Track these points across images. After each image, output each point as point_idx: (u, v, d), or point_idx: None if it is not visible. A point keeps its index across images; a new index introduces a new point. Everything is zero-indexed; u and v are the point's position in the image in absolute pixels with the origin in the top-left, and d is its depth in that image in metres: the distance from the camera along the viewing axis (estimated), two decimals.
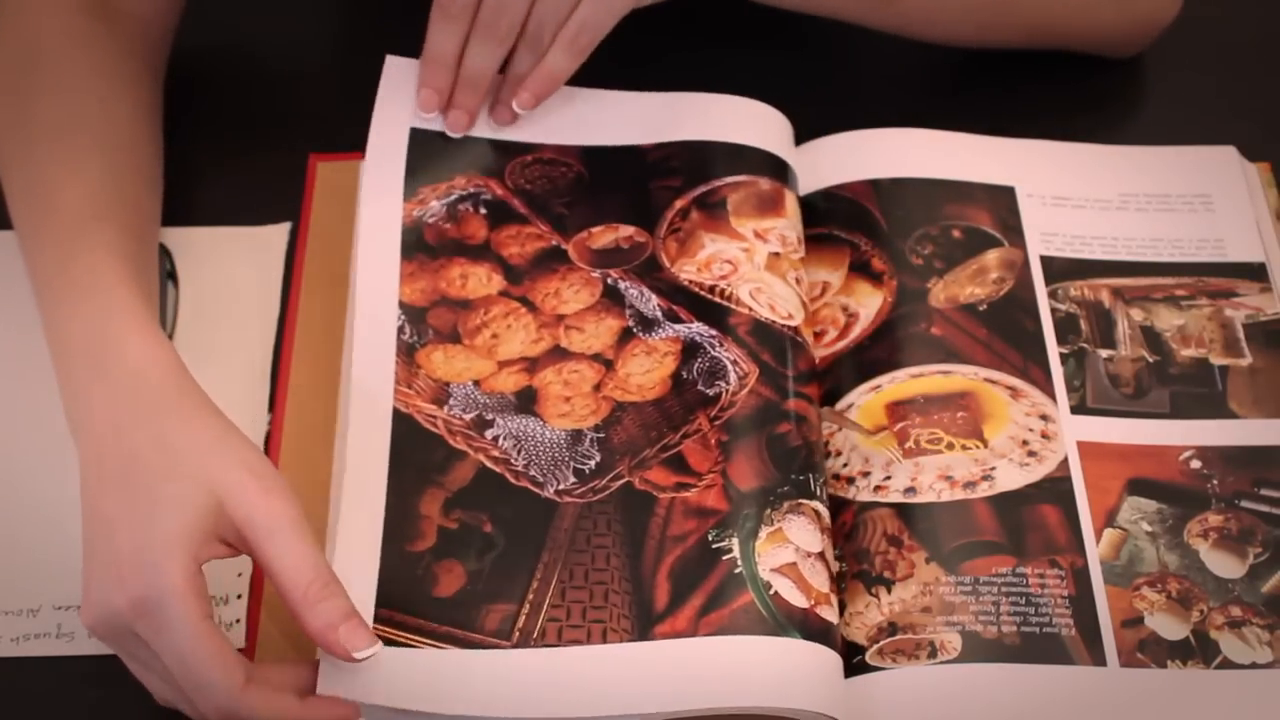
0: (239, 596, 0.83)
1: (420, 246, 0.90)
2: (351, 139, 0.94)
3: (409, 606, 0.79)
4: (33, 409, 0.89)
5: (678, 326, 0.89)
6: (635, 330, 0.89)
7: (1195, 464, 0.87)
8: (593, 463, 0.84)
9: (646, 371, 0.87)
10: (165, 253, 0.94)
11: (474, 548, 0.81)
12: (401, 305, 0.88)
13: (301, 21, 0.97)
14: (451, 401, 0.86)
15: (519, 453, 0.84)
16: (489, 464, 0.84)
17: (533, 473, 0.83)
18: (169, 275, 0.93)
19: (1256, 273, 0.94)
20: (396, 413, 0.85)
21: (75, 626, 0.82)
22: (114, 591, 0.74)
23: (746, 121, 0.96)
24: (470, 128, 0.94)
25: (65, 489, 0.86)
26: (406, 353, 0.87)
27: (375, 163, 0.93)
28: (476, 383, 0.86)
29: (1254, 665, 0.81)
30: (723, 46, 1.01)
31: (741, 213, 0.93)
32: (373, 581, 0.80)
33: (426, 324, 0.88)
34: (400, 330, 0.87)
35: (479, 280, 0.90)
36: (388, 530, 0.81)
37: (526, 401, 0.86)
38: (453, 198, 0.92)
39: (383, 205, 0.91)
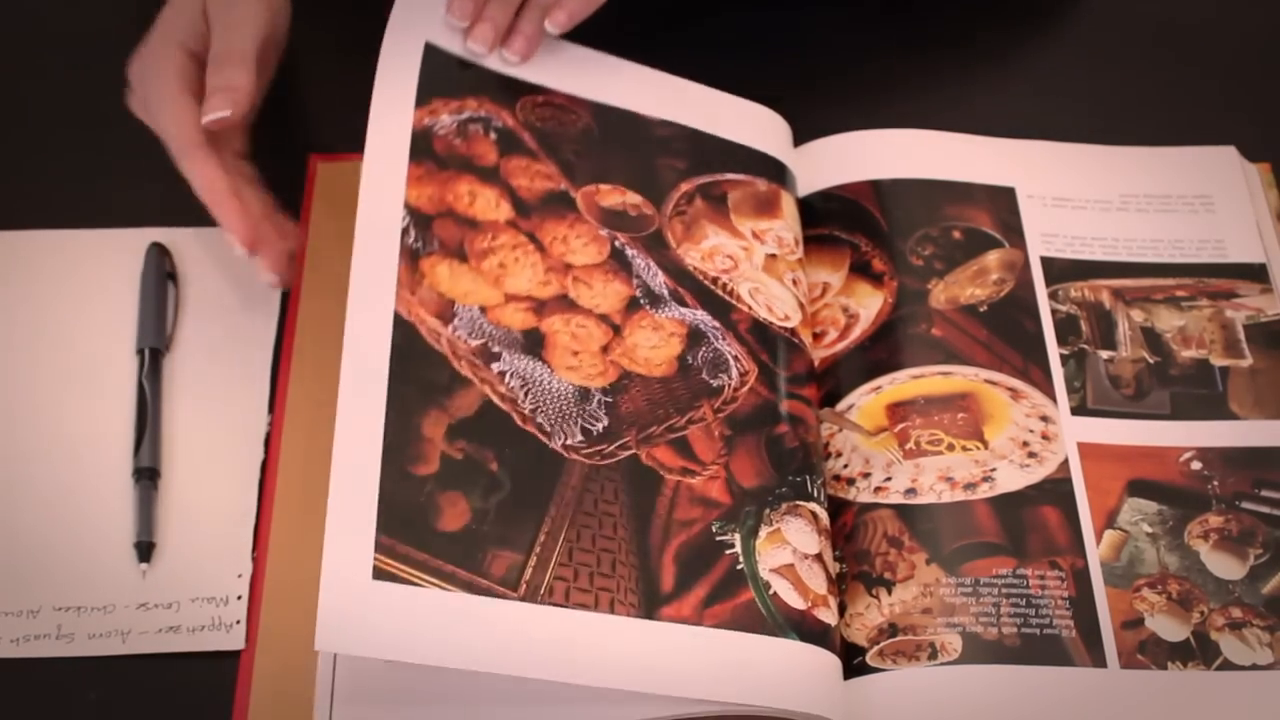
0: (239, 597, 0.83)
1: (429, 153, 0.89)
2: (351, 139, 0.93)
3: (411, 538, 0.78)
4: (33, 409, 0.89)
5: (684, 310, 0.89)
6: (643, 302, 0.89)
7: (1196, 465, 0.87)
8: (600, 425, 0.84)
9: (653, 347, 0.87)
10: (165, 253, 0.94)
11: (479, 485, 0.80)
12: (407, 207, 0.87)
13: (302, 21, 0.97)
14: (456, 322, 0.85)
15: (526, 395, 0.84)
16: (495, 399, 0.83)
17: (540, 419, 0.83)
18: (169, 275, 0.93)
19: (1257, 273, 0.94)
20: (398, 317, 0.84)
21: (75, 626, 0.82)
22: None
23: (745, 122, 0.96)
24: (494, 46, 0.93)
25: (65, 489, 0.86)
26: (410, 257, 0.85)
27: (389, 67, 0.91)
28: (483, 309, 0.86)
29: (1254, 667, 0.81)
30: (724, 47, 1.01)
31: (741, 211, 0.93)
32: (373, 498, 0.78)
33: (432, 232, 0.87)
34: (405, 232, 0.86)
35: (487, 202, 0.89)
36: (387, 446, 0.80)
37: (534, 344, 0.85)
38: (464, 116, 0.92)
39: (393, 104, 0.90)
